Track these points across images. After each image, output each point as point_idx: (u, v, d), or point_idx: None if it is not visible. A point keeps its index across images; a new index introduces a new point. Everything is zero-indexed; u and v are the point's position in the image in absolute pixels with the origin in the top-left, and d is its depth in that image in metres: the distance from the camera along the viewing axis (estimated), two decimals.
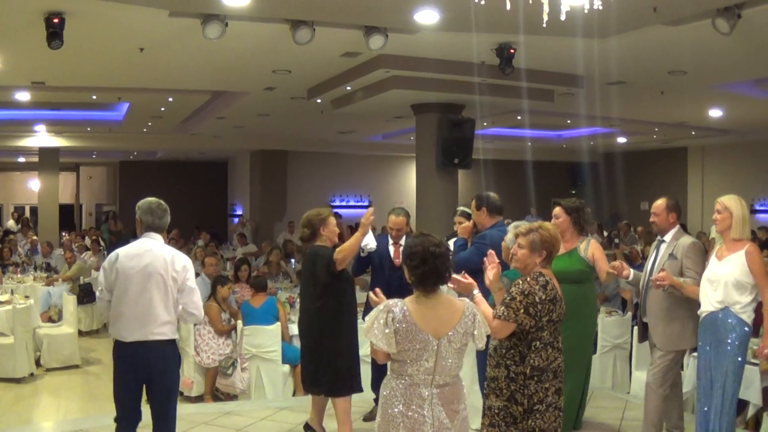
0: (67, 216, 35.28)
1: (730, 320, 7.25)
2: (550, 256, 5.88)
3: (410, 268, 5.18)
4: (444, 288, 5.26)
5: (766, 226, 23.27)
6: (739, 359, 7.24)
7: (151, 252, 6.66)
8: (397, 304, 5.04)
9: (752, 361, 8.11)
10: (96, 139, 27.56)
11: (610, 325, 11.33)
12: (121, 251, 6.73)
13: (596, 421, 9.07)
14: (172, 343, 6.74)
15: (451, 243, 8.91)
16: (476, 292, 5.88)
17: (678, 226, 8.18)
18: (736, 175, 28.97)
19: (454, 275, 5.94)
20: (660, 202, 8.22)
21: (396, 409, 5.08)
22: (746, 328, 7.24)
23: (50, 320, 14.46)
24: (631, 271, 8.21)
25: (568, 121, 23.49)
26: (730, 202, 7.52)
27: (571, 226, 8.50)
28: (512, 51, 12.93)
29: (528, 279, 5.72)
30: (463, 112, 17.43)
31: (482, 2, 4.98)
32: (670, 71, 15.00)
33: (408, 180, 30.38)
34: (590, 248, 8.39)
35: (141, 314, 6.55)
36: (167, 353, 6.68)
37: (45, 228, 27.99)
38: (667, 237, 8.14)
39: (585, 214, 8.79)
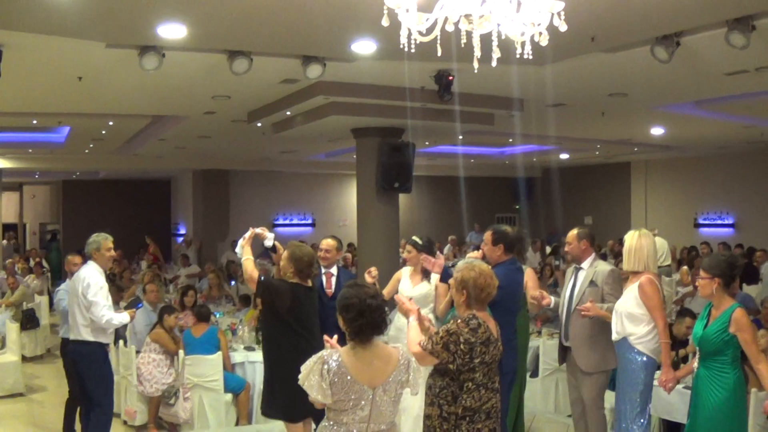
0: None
1: (626, 350, 7.55)
2: (470, 298, 5.88)
3: (346, 320, 5.23)
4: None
5: (708, 241, 23.38)
6: (638, 389, 7.53)
7: (77, 274, 9.07)
8: (332, 356, 5.09)
9: (688, 385, 8.23)
10: (38, 160, 27.24)
11: (551, 349, 11.14)
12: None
13: None
14: (89, 342, 8.89)
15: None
16: (412, 318, 5.96)
17: (594, 254, 8.42)
18: (678, 189, 29.42)
19: (397, 296, 6.40)
20: (571, 232, 8.48)
21: None
22: (644, 359, 7.51)
23: None
24: (552, 298, 8.44)
25: (510, 140, 23.56)
26: (627, 236, 7.85)
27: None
28: (451, 78, 13.00)
29: (458, 321, 5.78)
30: (403, 136, 17.39)
31: (413, 50, 5.01)
32: (610, 94, 15.04)
33: (351, 198, 30.14)
34: (524, 276, 8.52)
35: (71, 321, 9.06)
36: (86, 349, 8.91)
37: None
38: (585, 264, 8.37)
39: (525, 243, 8.95)
